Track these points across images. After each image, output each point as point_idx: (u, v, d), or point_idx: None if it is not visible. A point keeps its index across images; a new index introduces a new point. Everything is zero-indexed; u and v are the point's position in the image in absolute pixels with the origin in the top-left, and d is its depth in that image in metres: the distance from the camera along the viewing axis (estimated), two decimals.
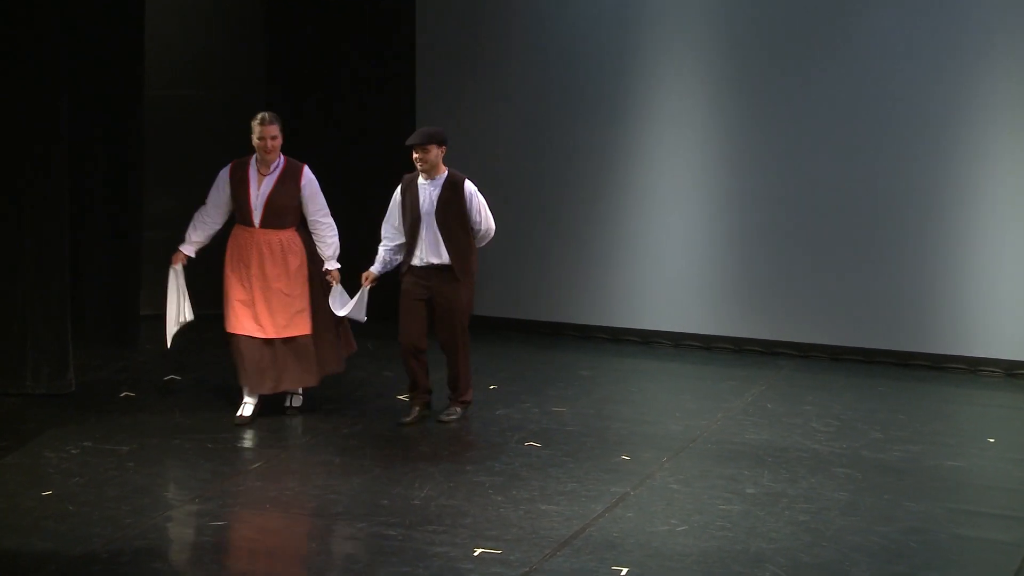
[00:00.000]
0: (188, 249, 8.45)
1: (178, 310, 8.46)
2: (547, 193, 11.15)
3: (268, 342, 8.32)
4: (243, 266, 8.30)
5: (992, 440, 8.53)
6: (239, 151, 11.58)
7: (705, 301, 10.82)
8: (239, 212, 8.32)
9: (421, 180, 8.25)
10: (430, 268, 8.27)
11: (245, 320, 8.30)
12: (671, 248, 10.87)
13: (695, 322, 10.85)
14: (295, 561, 6.47)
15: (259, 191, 8.24)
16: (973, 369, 10.14)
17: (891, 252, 10.32)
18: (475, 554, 6.52)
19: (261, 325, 8.30)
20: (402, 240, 8.35)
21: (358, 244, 9.30)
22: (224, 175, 8.37)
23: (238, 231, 8.36)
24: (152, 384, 9.43)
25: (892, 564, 6.50)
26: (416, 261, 8.29)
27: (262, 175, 8.26)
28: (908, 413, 9.11)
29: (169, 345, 8.55)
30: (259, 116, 8.26)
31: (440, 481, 7.57)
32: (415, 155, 8.18)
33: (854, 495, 7.46)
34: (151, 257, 11.05)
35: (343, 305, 8.44)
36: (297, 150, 11.73)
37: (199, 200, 11.55)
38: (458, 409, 8.57)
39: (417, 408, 8.52)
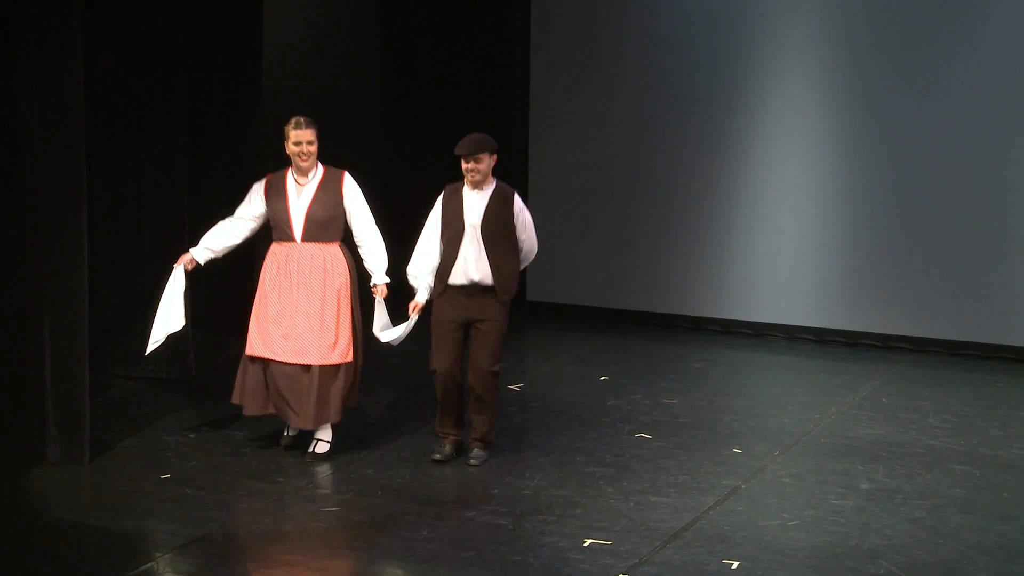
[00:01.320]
0: (200, 254, 7.64)
1: (168, 316, 7.56)
2: (660, 184, 11.09)
3: (304, 369, 7.49)
4: (283, 284, 7.50)
5: None
6: (358, 141, 11.74)
7: (819, 294, 10.68)
8: (277, 227, 7.55)
9: (467, 190, 7.49)
10: (471, 287, 7.46)
11: (279, 342, 7.48)
12: (785, 240, 10.75)
13: (809, 315, 10.72)
14: (405, 548, 6.52)
15: (298, 201, 7.49)
16: None
17: (1011, 245, 10.09)
18: (585, 545, 6.51)
19: (299, 349, 7.47)
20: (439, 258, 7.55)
21: None
22: (258, 188, 7.61)
23: (277, 248, 7.58)
24: None
25: (1012, 564, 6.36)
26: (456, 279, 7.45)
27: (300, 185, 7.52)
28: None
29: (148, 351, 7.70)
30: (293, 120, 7.55)
31: (550, 471, 7.57)
32: (466, 165, 7.40)
33: (972, 492, 7.31)
34: (266, 243, 11.22)
35: (385, 328, 7.65)
36: (413, 136, 11.85)
37: None
38: (484, 452, 7.69)
39: (450, 445, 7.69)
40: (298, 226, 7.49)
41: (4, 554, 6.33)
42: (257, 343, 7.54)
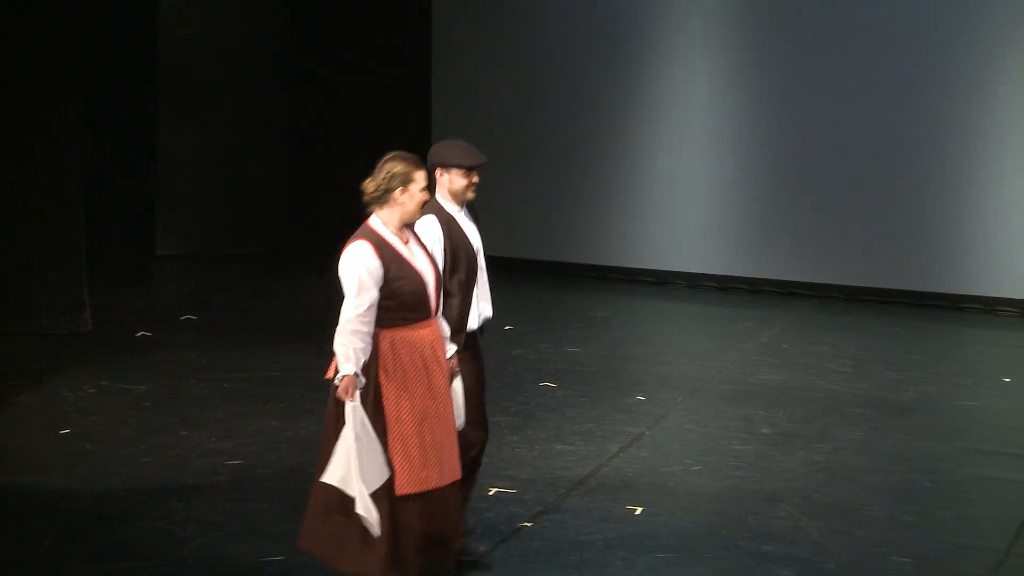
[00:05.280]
0: (361, 371, 5.25)
1: (361, 471, 5.20)
2: (562, 135, 11.10)
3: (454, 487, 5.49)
4: (429, 383, 5.35)
5: (1008, 380, 8.51)
6: (255, 90, 11.59)
7: (721, 241, 10.80)
8: (409, 305, 5.31)
9: (455, 211, 5.80)
10: (482, 328, 5.93)
11: (437, 468, 5.35)
12: (687, 189, 10.83)
13: (711, 263, 10.84)
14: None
15: (419, 265, 5.37)
16: (989, 309, 10.12)
17: (907, 192, 10.28)
18: (490, 493, 6.54)
19: (455, 463, 5.45)
20: None
21: None
22: (370, 258, 5.24)
23: (405, 336, 5.30)
24: (168, 324, 9.46)
25: (906, 503, 6.50)
26: (473, 324, 5.81)
27: (404, 243, 5.38)
28: (924, 353, 9.10)
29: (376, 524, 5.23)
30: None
31: None
32: (468, 180, 5.77)
33: (868, 435, 7.46)
34: (166, 196, 11.08)
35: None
36: (322, 91, 11.73)
37: (215, 139, 11.62)
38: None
39: None
40: (433, 299, 5.41)
41: None
42: (415, 474, 5.28)
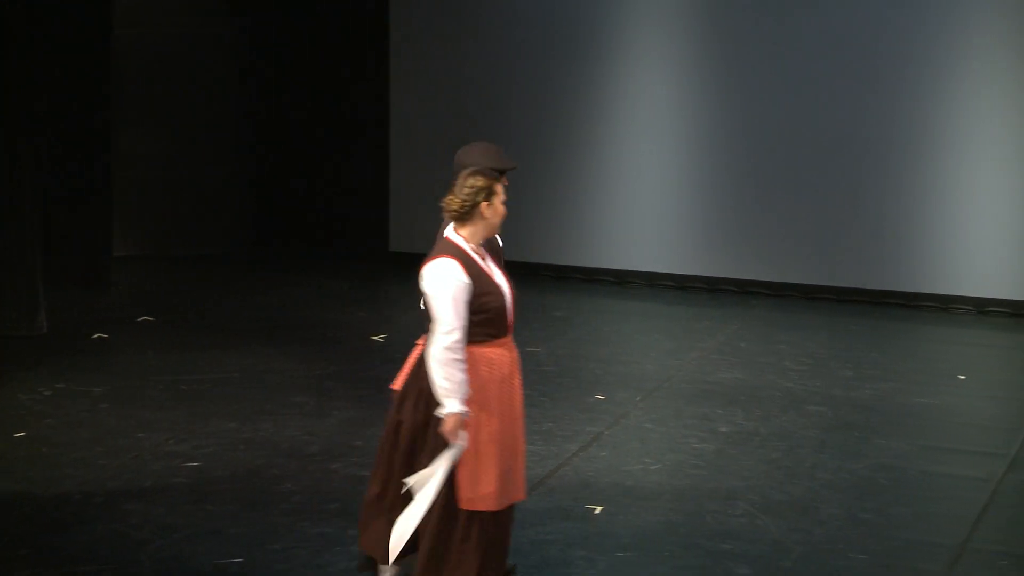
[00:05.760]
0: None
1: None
2: (519, 132, 11.09)
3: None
4: (503, 404, 5.20)
5: (963, 377, 8.59)
6: (207, 88, 11.53)
7: (679, 241, 10.83)
8: (489, 320, 5.18)
9: None
10: None
11: (506, 489, 5.21)
12: (646, 188, 10.86)
13: (669, 262, 10.87)
14: (268, 501, 6.48)
15: (498, 279, 5.27)
16: (945, 307, 10.20)
17: (864, 193, 10.34)
18: None
19: (516, 487, 5.31)
20: None
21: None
22: (460, 275, 5.10)
23: (479, 352, 5.15)
24: (125, 325, 9.40)
25: (862, 500, 6.55)
26: None
27: (483, 259, 5.26)
28: (880, 351, 9.16)
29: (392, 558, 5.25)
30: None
31: None
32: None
33: (825, 433, 7.51)
34: (122, 197, 11.01)
35: None
36: (280, 90, 11.67)
37: (172, 139, 11.56)
38: None
39: None
40: (511, 316, 5.28)
41: None
42: (498, 489, 5.16)
